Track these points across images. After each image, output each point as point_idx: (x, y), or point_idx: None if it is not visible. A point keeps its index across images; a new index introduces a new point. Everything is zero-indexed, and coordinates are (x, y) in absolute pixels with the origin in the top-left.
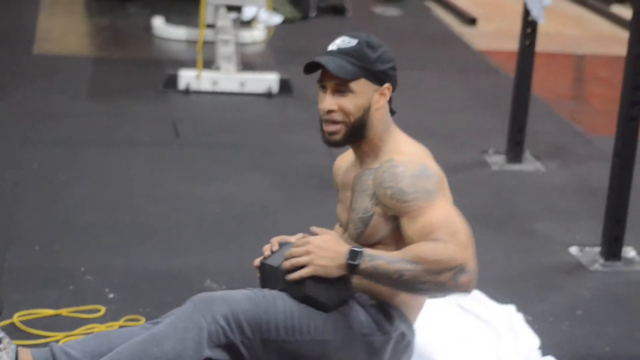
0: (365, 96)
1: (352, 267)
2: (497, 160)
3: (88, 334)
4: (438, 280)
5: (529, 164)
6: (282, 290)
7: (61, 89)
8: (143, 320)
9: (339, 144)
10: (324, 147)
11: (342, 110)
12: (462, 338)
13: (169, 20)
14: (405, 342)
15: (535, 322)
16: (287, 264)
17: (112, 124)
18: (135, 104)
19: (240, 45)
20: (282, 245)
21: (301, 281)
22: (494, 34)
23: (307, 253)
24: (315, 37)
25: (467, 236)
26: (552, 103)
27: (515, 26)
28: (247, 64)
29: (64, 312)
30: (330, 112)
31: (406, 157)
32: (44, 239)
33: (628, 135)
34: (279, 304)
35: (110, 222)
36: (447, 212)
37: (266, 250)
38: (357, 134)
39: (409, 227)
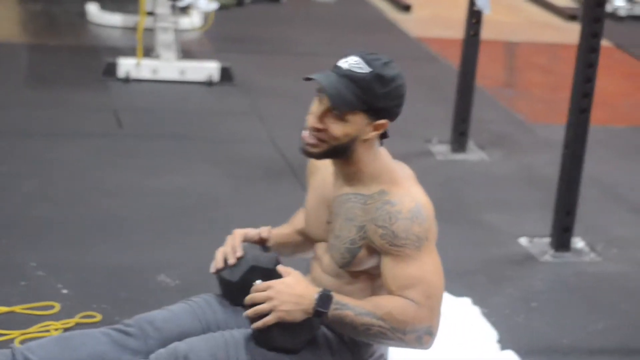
0: (357, 127)
1: (318, 313)
2: (441, 150)
3: (44, 331)
4: (402, 338)
5: (474, 154)
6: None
7: None
8: (99, 317)
9: (315, 157)
10: (269, 136)
11: (328, 132)
12: None
13: (103, 6)
14: None
15: (491, 315)
16: (250, 312)
17: (54, 114)
18: (75, 93)
19: (179, 32)
20: (243, 249)
21: (266, 329)
22: (429, 20)
23: (269, 299)
24: (251, 24)
25: (440, 297)
26: (492, 91)
27: (450, 13)
28: (185, 52)
29: (17, 309)
30: (316, 129)
31: (400, 191)
32: None
33: (579, 127)
34: (241, 357)
35: (59, 216)
36: (429, 269)
37: (222, 253)
38: (337, 156)
39: (390, 269)
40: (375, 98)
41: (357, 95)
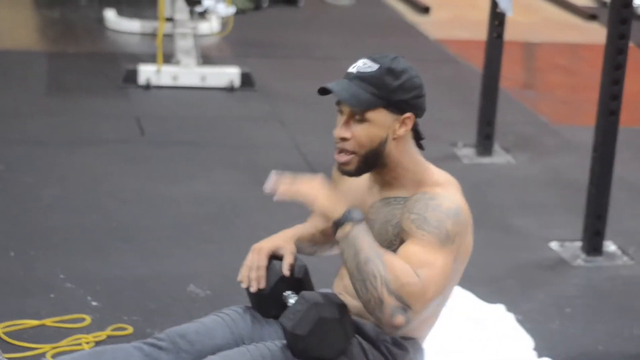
0: (382, 126)
1: (343, 220)
2: (467, 154)
3: (75, 344)
4: (383, 296)
5: (500, 157)
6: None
7: (17, 87)
8: (130, 329)
9: (353, 175)
10: (291, 142)
11: (354, 139)
12: (457, 341)
13: (121, 12)
14: None
15: (526, 321)
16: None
17: (74, 122)
18: (95, 101)
19: (198, 38)
20: (270, 264)
21: (302, 341)
22: (448, 22)
23: (311, 184)
24: (270, 29)
25: (433, 299)
26: (514, 93)
27: (469, 14)
28: (205, 57)
29: (48, 322)
30: (342, 139)
31: (442, 191)
32: (18, 245)
33: (607, 130)
34: None
35: (83, 226)
36: (443, 265)
37: (247, 270)
38: (371, 165)
39: (408, 247)
40: (390, 91)
41: (372, 92)
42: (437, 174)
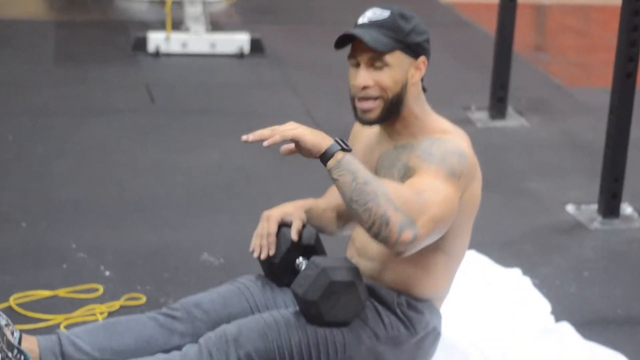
0: (401, 70)
1: (333, 150)
2: (480, 117)
3: (89, 315)
4: (389, 213)
5: (513, 120)
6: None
7: (26, 56)
8: (144, 299)
9: (374, 122)
10: (302, 108)
11: (378, 85)
12: (474, 306)
13: None
14: (435, 334)
15: (543, 285)
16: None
17: (84, 91)
18: (105, 69)
19: (206, 4)
20: (279, 232)
21: (314, 307)
22: None
23: (293, 125)
24: None
25: (438, 218)
26: (526, 56)
27: None
28: (214, 24)
29: (61, 292)
30: (365, 88)
31: (451, 137)
32: (29, 216)
33: (624, 92)
34: (293, 336)
35: (94, 196)
36: (447, 194)
37: (258, 238)
38: (393, 111)
39: (412, 179)
40: (405, 34)
41: (389, 35)
42: (446, 123)
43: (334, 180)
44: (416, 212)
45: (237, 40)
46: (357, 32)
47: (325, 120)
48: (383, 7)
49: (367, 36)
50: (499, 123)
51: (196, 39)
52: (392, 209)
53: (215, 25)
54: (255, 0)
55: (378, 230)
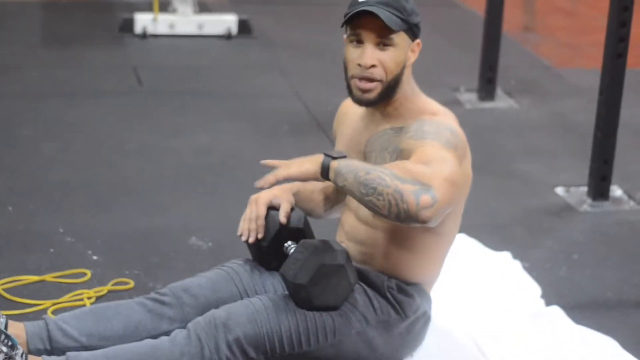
0: (403, 51)
1: (327, 162)
2: (469, 99)
3: (76, 300)
4: (399, 187)
5: (502, 101)
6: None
7: (12, 38)
8: (132, 283)
9: (371, 103)
10: (291, 90)
11: (382, 65)
12: (464, 290)
13: None
14: (425, 318)
15: (533, 269)
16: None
17: (71, 73)
18: (92, 51)
19: None
20: (268, 215)
21: (304, 288)
22: None
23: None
24: None
25: (449, 180)
26: (515, 36)
27: None
28: (201, 5)
29: (48, 277)
30: (372, 67)
31: (440, 117)
32: (16, 199)
33: (614, 73)
34: (282, 321)
35: (82, 179)
36: (451, 160)
37: (247, 222)
38: (390, 93)
39: (409, 156)
40: (409, 14)
41: (397, 15)
42: (435, 104)
43: (342, 188)
44: (428, 177)
45: (225, 22)
46: (373, 9)
47: (313, 102)
48: None
49: (382, 14)
50: (488, 104)
51: (184, 20)
52: (400, 183)
53: (203, 6)
54: None
55: (397, 209)
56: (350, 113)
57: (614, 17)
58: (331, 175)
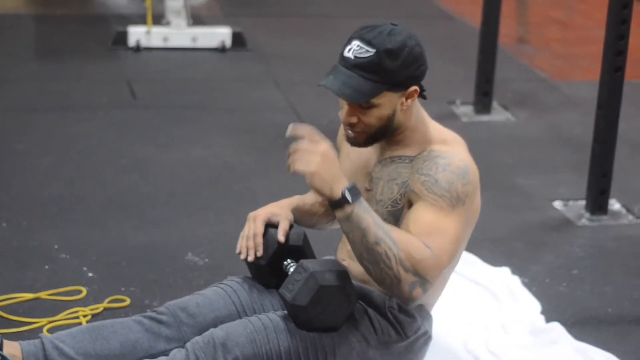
0: (389, 106)
1: (342, 202)
2: (465, 112)
3: (72, 317)
4: (400, 275)
5: (499, 114)
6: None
7: (5, 51)
8: (128, 301)
9: (363, 146)
10: (286, 103)
11: (362, 122)
12: (463, 307)
13: None
14: (425, 338)
15: (532, 284)
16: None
17: (65, 87)
18: (86, 64)
19: None
20: (266, 233)
21: (303, 312)
22: None
23: (312, 157)
24: None
25: (448, 263)
26: (511, 48)
27: None
28: (195, 18)
29: (43, 295)
30: (350, 124)
31: (450, 149)
32: (10, 215)
33: (612, 86)
34: (282, 340)
35: (76, 194)
36: (453, 232)
37: (245, 240)
38: (381, 136)
39: (417, 211)
40: (392, 74)
41: (373, 80)
42: (443, 131)
43: (344, 232)
44: (430, 270)
45: (219, 34)
46: (335, 83)
47: (309, 116)
48: (369, 41)
49: (346, 89)
50: (484, 117)
51: (177, 33)
52: (403, 270)
53: (197, 19)
54: None
55: (389, 287)
56: None
57: (612, 30)
58: (339, 214)
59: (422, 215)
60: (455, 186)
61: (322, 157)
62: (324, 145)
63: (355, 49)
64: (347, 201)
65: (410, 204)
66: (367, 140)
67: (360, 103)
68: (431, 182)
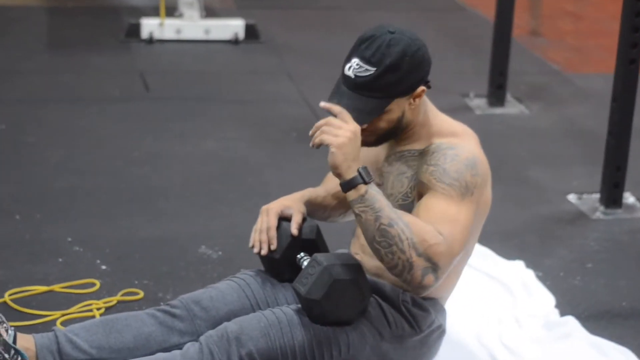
0: (398, 110)
1: (356, 182)
2: (479, 104)
3: (85, 310)
4: (413, 259)
5: (512, 107)
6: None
7: (18, 43)
8: (141, 294)
9: (374, 145)
10: (299, 95)
11: (372, 126)
12: (477, 300)
13: None
14: (439, 332)
15: (547, 278)
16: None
17: (77, 79)
18: (98, 56)
19: None
20: (279, 226)
21: (317, 306)
22: None
23: (340, 132)
24: None
25: (459, 250)
26: (524, 41)
27: None
28: (208, 10)
29: (56, 288)
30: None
31: (459, 141)
32: (23, 208)
33: (627, 79)
34: (296, 334)
35: (89, 187)
36: (464, 219)
37: (258, 233)
38: (391, 137)
39: (427, 200)
40: (396, 85)
41: (377, 97)
42: (453, 124)
43: (355, 214)
44: (441, 256)
45: (232, 26)
46: (342, 102)
47: (321, 109)
48: (368, 59)
49: (352, 112)
50: (498, 110)
51: (190, 25)
52: (415, 254)
53: (210, 10)
54: None
55: (400, 272)
56: None
57: (626, 22)
58: (352, 194)
59: (432, 204)
60: (464, 176)
61: (351, 134)
62: (355, 125)
63: (355, 68)
64: (362, 180)
65: (420, 196)
66: (377, 140)
67: (366, 123)
68: (439, 172)
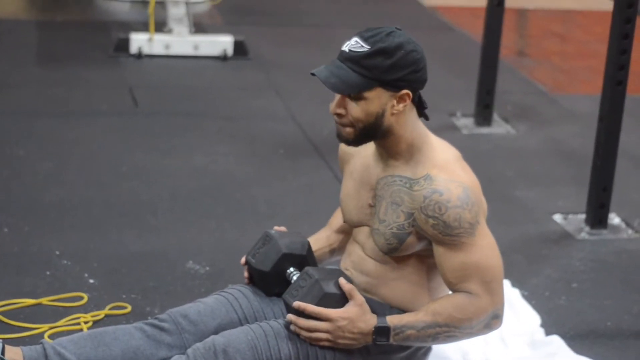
0: (378, 103)
1: (382, 332)
2: (466, 124)
3: (73, 324)
4: (471, 332)
5: (499, 127)
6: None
7: (6, 56)
8: (129, 307)
9: (351, 144)
10: (287, 112)
11: (350, 115)
12: None
13: None
14: (425, 349)
15: (532, 297)
16: (306, 338)
17: (66, 93)
18: (87, 71)
19: (190, 5)
20: (270, 239)
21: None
22: None
23: (329, 333)
24: None
25: (500, 278)
26: (511, 61)
27: None
28: (197, 26)
29: (44, 301)
30: (337, 115)
31: (446, 176)
32: (11, 220)
33: (614, 100)
34: (283, 348)
35: (77, 200)
36: (484, 253)
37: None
38: (370, 136)
39: (445, 259)
40: (382, 72)
41: (362, 74)
42: (439, 150)
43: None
44: (484, 311)
45: (221, 42)
46: (324, 72)
47: (310, 125)
48: (367, 37)
49: (334, 78)
50: (484, 130)
51: (179, 41)
52: (469, 331)
53: (199, 26)
54: (238, 2)
55: (475, 336)
56: (356, 151)
57: (614, 44)
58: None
59: (451, 262)
60: (464, 219)
61: (339, 330)
62: (360, 298)
63: (352, 44)
64: (383, 329)
65: (419, 235)
66: (356, 138)
67: (344, 93)
68: (442, 226)
